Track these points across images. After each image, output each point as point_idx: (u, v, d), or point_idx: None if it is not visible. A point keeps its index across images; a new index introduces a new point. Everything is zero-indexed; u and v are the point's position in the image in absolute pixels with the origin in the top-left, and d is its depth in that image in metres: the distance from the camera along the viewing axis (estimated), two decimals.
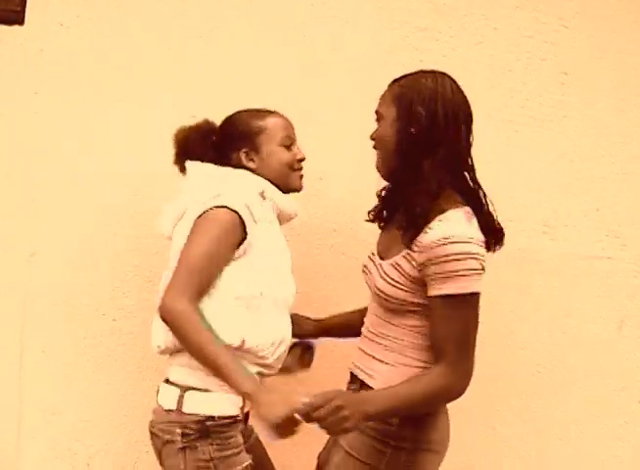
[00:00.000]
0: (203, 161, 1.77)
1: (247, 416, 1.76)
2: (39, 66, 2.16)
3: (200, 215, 1.65)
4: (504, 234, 1.60)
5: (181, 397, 1.66)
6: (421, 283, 1.51)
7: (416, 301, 1.53)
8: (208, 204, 1.65)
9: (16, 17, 2.15)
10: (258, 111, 1.81)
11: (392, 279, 1.54)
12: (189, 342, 1.58)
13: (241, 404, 1.67)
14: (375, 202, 1.72)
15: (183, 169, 1.81)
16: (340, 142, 2.20)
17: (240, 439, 1.68)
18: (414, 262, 1.50)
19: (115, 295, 2.21)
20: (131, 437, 2.23)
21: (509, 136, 2.24)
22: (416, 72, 1.56)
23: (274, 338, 1.68)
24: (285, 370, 1.86)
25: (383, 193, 1.71)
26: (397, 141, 1.52)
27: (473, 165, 1.58)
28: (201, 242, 1.62)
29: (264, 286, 1.67)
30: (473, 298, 1.49)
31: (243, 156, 1.78)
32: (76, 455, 2.23)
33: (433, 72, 1.55)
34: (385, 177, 1.62)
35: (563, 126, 2.25)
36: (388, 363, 1.59)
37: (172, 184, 2.13)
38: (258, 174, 1.77)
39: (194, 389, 1.66)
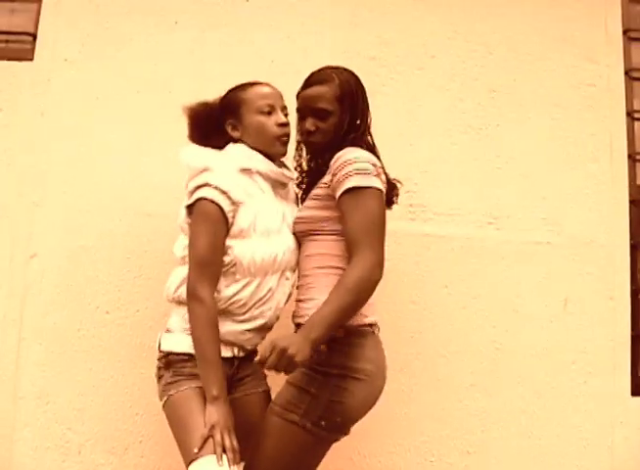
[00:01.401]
0: (208, 135, 1.95)
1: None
2: (46, 92, 2.51)
3: (189, 210, 1.86)
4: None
5: (160, 338, 1.94)
6: None
7: None
8: (194, 196, 1.83)
9: (26, 54, 2.55)
10: (244, 84, 1.98)
11: None
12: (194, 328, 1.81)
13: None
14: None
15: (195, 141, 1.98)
16: None
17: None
18: None
19: (108, 289, 2.43)
20: (121, 424, 2.37)
21: (452, 142, 2.59)
22: (330, 70, 1.98)
23: (245, 298, 1.86)
24: None
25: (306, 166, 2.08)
26: (342, 129, 1.91)
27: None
28: (200, 237, 1.81)
29: (237, 256, 1.84)
30: None
31: (229, 127, 1.95)
32: (68, 443, 2.35)
33: (342, 70, 1.98)
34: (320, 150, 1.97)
35: (496, 132, 2.62)
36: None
37: (163, 188, 2.44)
38: (244, 143, 1.93)
39: (167, 331, 1.93)
